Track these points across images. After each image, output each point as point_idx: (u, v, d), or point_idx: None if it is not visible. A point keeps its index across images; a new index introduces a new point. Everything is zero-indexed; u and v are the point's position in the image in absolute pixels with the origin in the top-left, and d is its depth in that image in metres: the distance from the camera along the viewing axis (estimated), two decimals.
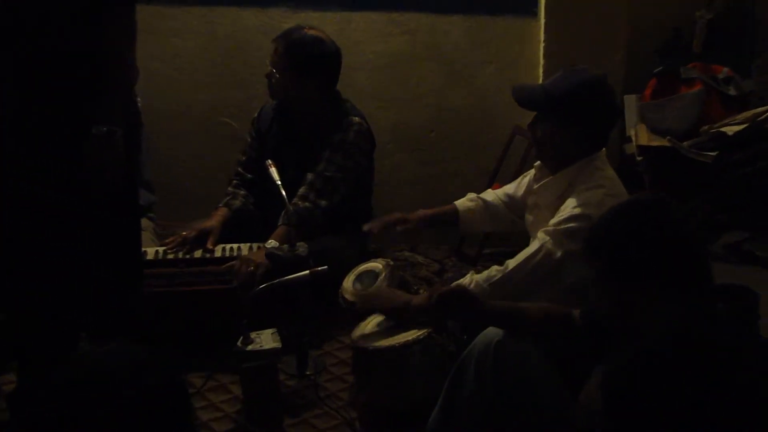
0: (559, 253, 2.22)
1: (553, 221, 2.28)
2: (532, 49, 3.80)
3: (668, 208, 1.64)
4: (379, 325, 2.41)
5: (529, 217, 2.54)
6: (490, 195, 2.76)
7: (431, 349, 2.25)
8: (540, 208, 2.46)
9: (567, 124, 2.32)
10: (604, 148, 2.41)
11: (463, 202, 2.78)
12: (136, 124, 2.38)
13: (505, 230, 2.80)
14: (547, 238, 2.25)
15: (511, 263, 2.27)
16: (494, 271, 2.29)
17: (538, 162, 2.52)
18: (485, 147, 3.91)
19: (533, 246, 2.27)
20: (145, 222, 3.16)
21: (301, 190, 2.97)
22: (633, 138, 3.46)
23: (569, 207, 2.26)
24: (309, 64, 2.99)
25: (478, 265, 3.42)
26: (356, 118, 3.10)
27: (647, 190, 3.20)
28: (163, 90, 3.71)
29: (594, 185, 2.29)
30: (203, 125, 3.80)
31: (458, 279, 2.35)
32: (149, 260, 2.83)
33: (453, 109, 3.90)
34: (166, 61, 3.72)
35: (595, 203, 2.23)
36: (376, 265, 2.69)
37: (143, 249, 2.76)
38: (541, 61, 3.75)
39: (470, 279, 2.30)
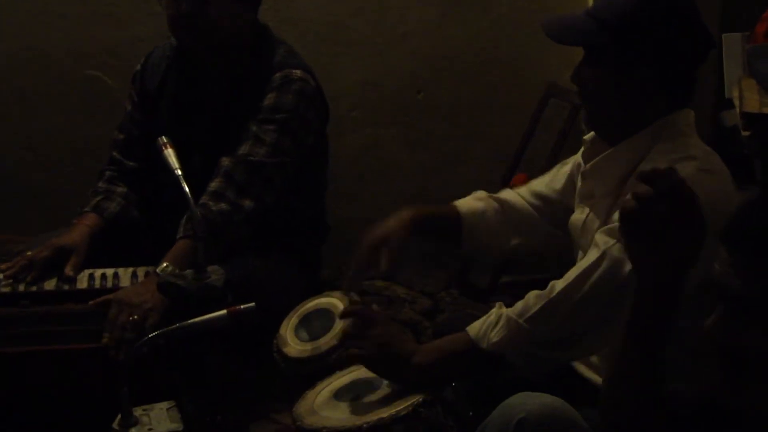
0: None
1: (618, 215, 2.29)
2: None
3: None
4: (336, 394, 2.42)
5: (577, 217, 2.54)
6: (509, 194, 2.77)
7: (418, 430, 2.27)
8: (595, 198, 2.47)
9: (629, 62, 2.34)
10: (691, 111, 2.43)
11: (467, 202, 2.78)
12: None
13: (539, 250, 2.81)
14: (612, 240, 2.25)
15: (559, 284, 2.28)
16: (533, 298, 2.30)
17: (591, 134, 2.54)
18: (504, 117, 3.95)
19: (590, 256, 2.29)
20: None
21: (214, 185, 2.98)
22: (736, 102, 3.48)
23: None
24: None
25: (492, 300, 3.43)
26: (297, 72, 3.11)
27: (759, 183, 3.22)
28: None
29: (680, 156, 2.29)
30: (59, 83, 3.81)
31: (458, 322, 2.37)
32: None
33: (453, 58, 3.94)
34: None
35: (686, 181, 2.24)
36: (332, 301, 2.69)
37: None
38: None
39: (498, 313, 2.32)
